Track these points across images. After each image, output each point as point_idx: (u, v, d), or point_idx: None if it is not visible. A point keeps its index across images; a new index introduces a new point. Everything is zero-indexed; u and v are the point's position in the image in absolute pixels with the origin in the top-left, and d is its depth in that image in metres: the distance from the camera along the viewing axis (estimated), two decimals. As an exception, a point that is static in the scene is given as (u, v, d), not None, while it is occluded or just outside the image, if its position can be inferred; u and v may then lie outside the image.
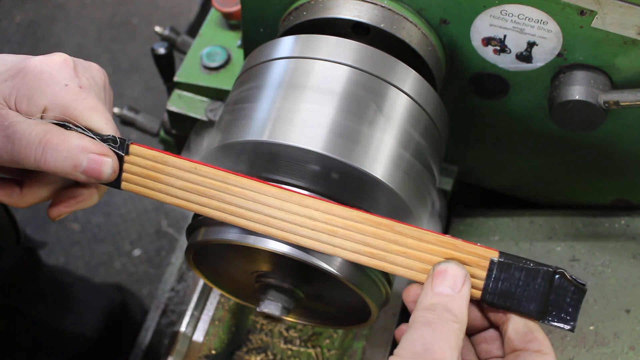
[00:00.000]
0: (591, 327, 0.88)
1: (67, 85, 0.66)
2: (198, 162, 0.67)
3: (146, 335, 1.25)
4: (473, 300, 0.64)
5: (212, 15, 1.15)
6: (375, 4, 0.80)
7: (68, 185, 0.71)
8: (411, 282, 0.66)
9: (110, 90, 0.74)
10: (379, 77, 0.73)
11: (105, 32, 2.60)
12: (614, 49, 0.76)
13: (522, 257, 0.62)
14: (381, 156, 0.70)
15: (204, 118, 1.05)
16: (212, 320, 1.02)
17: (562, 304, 0.62)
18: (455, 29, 0.81)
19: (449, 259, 0.63)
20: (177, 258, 1.34)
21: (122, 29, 2.61)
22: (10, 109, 0.65)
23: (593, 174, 0.98)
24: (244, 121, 0.72)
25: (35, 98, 0.65)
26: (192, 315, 1.01)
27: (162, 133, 1.24)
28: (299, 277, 0.74)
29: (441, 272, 0.62)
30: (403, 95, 0.74)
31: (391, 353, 0.58)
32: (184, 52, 1.21)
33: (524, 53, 0.80)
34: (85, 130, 0.66)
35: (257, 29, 0.91)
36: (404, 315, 1.02)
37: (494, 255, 0.63)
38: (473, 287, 0.63)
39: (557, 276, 0.61)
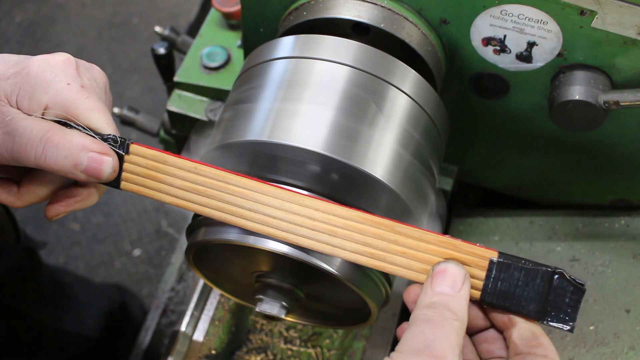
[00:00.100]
0: (591, 327, 0.88)
1: (69, 84, 0.66)
2: (198, 161, 0.67)
3: (146, 335, 1.25)
4: (473, 300, 0.64)
5: (212, 15, 1.15)
6: (375, 4, 0.80)
7: (66, 185, 0.71)
8: (411, 282, 0.66)
9: (110, 93, 0.74)
10: (379, 77, 0.73)
11: (105, 32, 2.60)
12: (614, 49, 0.76)
13: (521, 257, 0.62)
14: (381, 156, 0.69)
15: (204, 118, 1.05)
16: (212, 320, 1.02)
17: (561, 304, 0.62)
18: (455, 29, 0.81)
19: (448, 259, 0.63)
20: (177, 258, 1.33)
21: (122, 29, 2.61)
22: (11, 106, 0.65)
23: (593, 174, 0.98)
24: (243, 121, 0.72)
25: (37, 96, 0.65)
26: (192, 315, 1.01)
27: (162, 133, 1.24)
28: (299, 277, 0.74)
29: (441, 272, 0.62)
30: (403, 95, 0.74)
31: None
32: (184, 52, 1.21)
33: (524, 53, 0.80)
34: (86, 129, 0.66)
35: (257, 29, 0.91)
36: (404, 315, 1.02)
37: (493, 256, 0.63)
38: (472, 287, 0.63)
39: (556, 276, 0.61)
